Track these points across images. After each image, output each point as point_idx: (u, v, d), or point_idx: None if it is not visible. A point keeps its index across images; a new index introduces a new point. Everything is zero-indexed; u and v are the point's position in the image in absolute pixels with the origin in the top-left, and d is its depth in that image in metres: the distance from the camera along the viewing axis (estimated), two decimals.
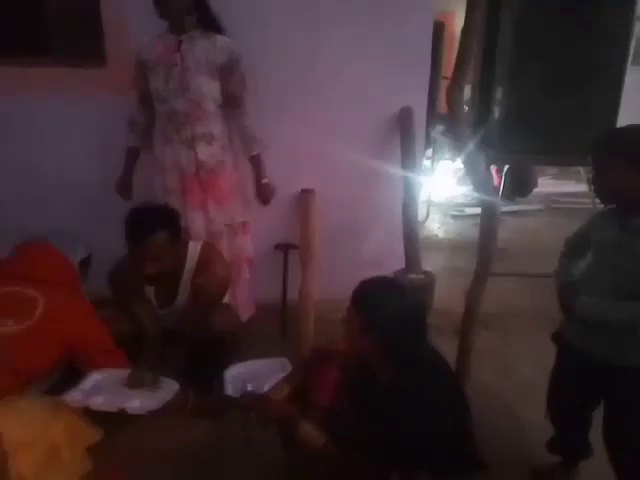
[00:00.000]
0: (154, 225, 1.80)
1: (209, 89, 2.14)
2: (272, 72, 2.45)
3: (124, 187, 2.35)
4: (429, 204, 4.74)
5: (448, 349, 2.14)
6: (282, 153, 2.53)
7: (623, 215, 1.41)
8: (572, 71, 2.73)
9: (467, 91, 2.83)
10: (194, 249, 1.96)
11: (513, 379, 2.31)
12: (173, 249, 1.86)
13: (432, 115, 2.87)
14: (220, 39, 2.14)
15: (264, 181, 2.29)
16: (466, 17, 1.87)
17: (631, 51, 6.42)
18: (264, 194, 2.31)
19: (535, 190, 4.99)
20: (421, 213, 4.66)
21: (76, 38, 2.59)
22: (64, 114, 2.55)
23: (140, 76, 2.21)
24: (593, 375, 1.50)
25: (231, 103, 2.19)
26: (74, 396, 1.44)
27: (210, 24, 2.15)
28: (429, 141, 4.87)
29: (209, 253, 1.95)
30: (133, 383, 1.48)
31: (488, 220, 2.04)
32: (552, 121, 2.77)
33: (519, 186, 4.76)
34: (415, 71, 2.45)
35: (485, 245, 2.04)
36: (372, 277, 1.39)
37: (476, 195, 2.03)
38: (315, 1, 2.40)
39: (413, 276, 2.12)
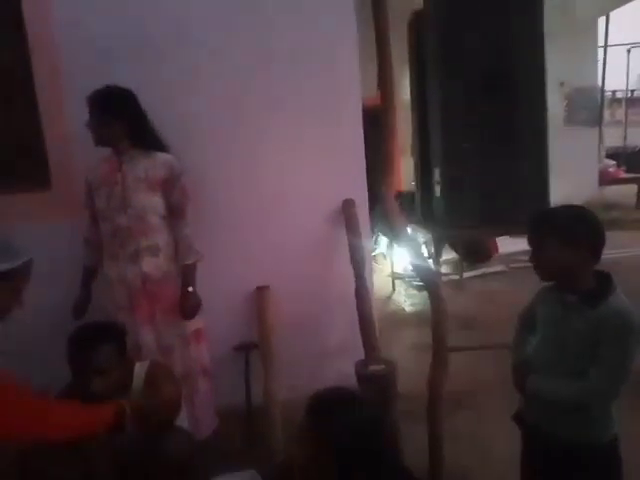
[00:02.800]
0: (98, 339, 1.76)
1: (150, 204, 2.19)
2: (218, 181, 2.54)
3: (80, 306, 2.31)
4: (394, 277, 4.80)
5: (423, 436, 2.08)
6: (235, 255, 2.58)
7: (562, 292, 1.43)
8: (498, 145, 2.92)
9: None
10: (140, 370, 1.88)
11: (492, 460, 2.22)
12: (119, 365, 1.79)
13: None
14: (160, 156, 2.21)
15: (189, 289, 2.22)
16: (382, 103, 1.95)
17: (562, 114, 6.88)
18: (187, 303, 2.21)
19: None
20: (387, 288, 4.73)
21: (19, 165, 2.63)
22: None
23: (88, 197, 2.29)
24: (556, 456, 1.46)
25: (174, 214, 2.24)
26: None
27: (149, 144, 2.23)
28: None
29: (155, 373, 1.86)
30: None
31: (433, 299, 2.05)
32: (489, 193, 2.91)
33: (477, 254, 4.88)
34: (352, 165, 2.59)
35: (436, 323, 2.03)
36: (326, 389, 1.32)
37: (418, 275, 2.08)
38: (248, 113, 2.55)
39: (374, 367, 2.08)
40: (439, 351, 2.01)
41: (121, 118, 2.15)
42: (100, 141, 2.18)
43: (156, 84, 2.41)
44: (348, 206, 2.53)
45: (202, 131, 2.53)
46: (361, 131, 2.57)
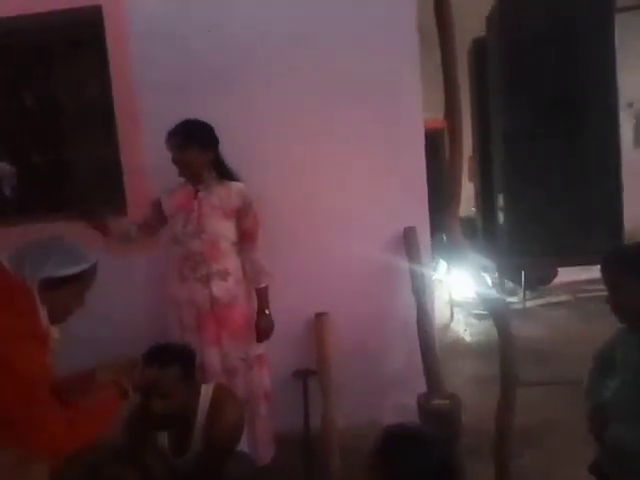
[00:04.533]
0: (163, 363, 1.80)
1: (224, 230, 2.28)
2: (284, 208, 2.61)
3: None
4: (452, 305, 4.67)
5: (488, 474, 1.99)
6: (294, 281, 2.60)
7: None
8: (566, 174, 2.81)
9: None
10: (206, 392, 1.92)
11: None
12: (185, 388, 1.83)
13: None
14: (234, 185, 2.31)
15: (267, 311, 2.33)
16: (449, 130, 1.94)
17: (631, 137, 6.52)
18: (262, 324, 2.32)
19: (561, 280, 4.91)
20: (445, 315, 4.61)
21: (98, 193, 2.82)
22: None
23: (150, 211, 2.41)
24: None
25: (246, 239, 2.33)
26: None
27: (224, 174, 2.34)
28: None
29: (221, 396, 1.91)
30: None
31: (501, 331, 1.97)
32: (556, 223, 2.80)
33: (538, 278, 4.71)
34: (414, 193, 2.59)
35: (504, 356, 1.95)
36: (396, 426, 1.30)
37: (483, 304, 2.03)
38: (310, 138, 2.62)
39: (437, 402, 2.02)
40: (507, 386, 1.92)
41: (208, 150, 2.26)
42: (187, 173, 2.27)
43: (224, 113, 2.51)
44: (410, 234, 2.51)
45: (264, 156, 2.60)
46: (423, 159, 2.57)
